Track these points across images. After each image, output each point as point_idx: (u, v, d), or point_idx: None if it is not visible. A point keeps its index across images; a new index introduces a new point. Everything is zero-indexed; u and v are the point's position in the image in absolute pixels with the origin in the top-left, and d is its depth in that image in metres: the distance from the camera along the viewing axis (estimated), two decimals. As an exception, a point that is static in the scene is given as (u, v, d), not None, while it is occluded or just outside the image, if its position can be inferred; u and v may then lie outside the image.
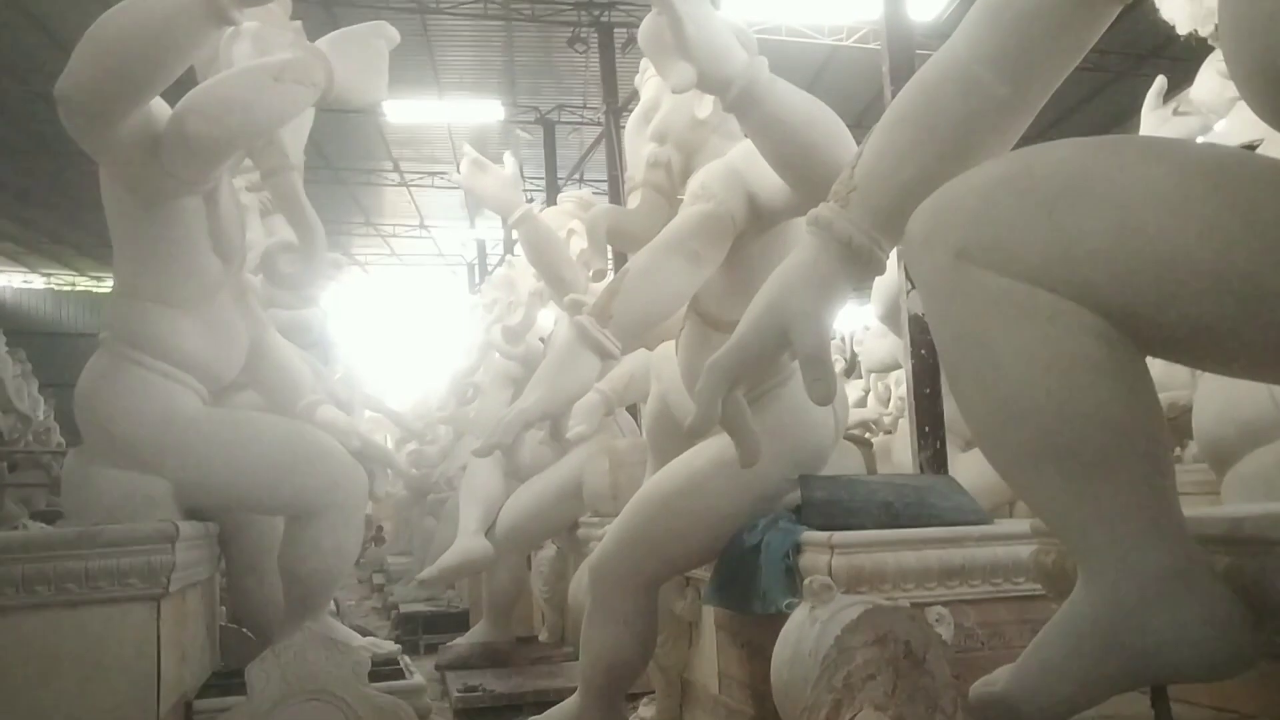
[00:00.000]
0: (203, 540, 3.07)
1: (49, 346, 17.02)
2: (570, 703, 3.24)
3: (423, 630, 7.03)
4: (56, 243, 19.61)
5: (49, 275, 22.20)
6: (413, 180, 16.88)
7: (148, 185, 2.83)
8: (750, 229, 2.88)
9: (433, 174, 16.57)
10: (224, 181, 3.03)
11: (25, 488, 10.50)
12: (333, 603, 8.17)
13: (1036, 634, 1.36)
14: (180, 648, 2.80)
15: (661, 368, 3.59)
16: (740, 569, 2.83)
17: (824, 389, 1.58)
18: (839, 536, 2.46)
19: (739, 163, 2.88)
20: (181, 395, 2.98)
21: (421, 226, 20.68)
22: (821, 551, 2.50)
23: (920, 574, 2.49)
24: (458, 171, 4.61)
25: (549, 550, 5.88)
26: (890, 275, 4.71)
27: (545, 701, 4.56)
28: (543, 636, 6.02)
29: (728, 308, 2.92)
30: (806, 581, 2.38)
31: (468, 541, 5.29)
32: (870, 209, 1.61)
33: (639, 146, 3.18)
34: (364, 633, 8.33)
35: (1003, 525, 2.67)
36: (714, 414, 1.63)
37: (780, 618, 2.65)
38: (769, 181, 2.77)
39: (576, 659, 5.46)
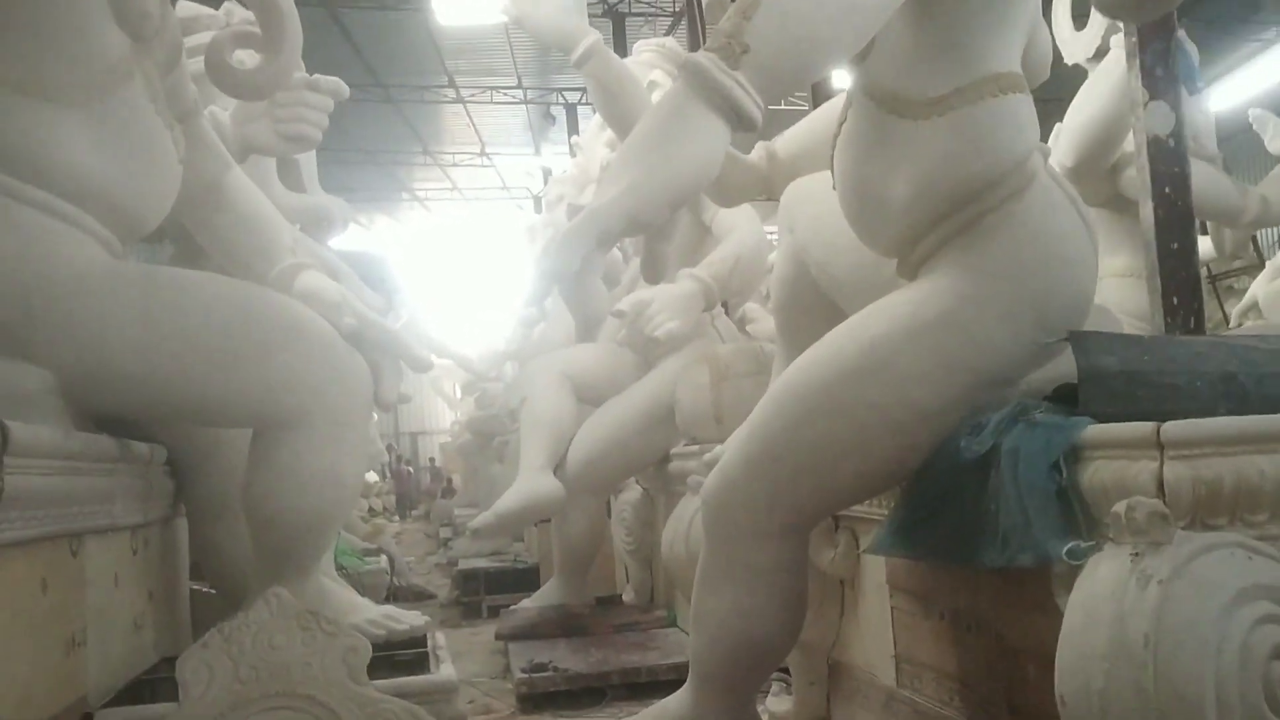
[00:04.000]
0: (122, 466, 2.13)
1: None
2: (679, 700, 2.26)
3: (485, 590, 6.15)
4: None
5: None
6: (470, 96, 15.84)
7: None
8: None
9: (492, 89, 15.53)
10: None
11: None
12: (386, 559, 7.37)
13: None
14: (68, 628, 1.86)
15: (797, 212, 2.55)
16: (952, 496, 1.80)
17: None
18: (1176, 428, 1.40)
19: None
20: (68, 239, 2.02)
21: (483, 155, 19.69)
22: (1139, 455, 1.44)
23: (1320, 494, 1.42)
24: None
25: (633, 491, 4.91)
26: (1102, 95, 3.59)
27: (635, 684, 3.62)
28: (627, 597, 5.07)
29: (925, 76, 1.86)
30: (1121, 509, 1.35)
31: (532, 480, 4.32)
32: None
33: None
34: (421, 595, 7.52)
35: None
36: None
37: (1034, 575, 1.64)
38: None
39: (670, 624, 4.53)
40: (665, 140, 1.55)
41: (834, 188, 2.12)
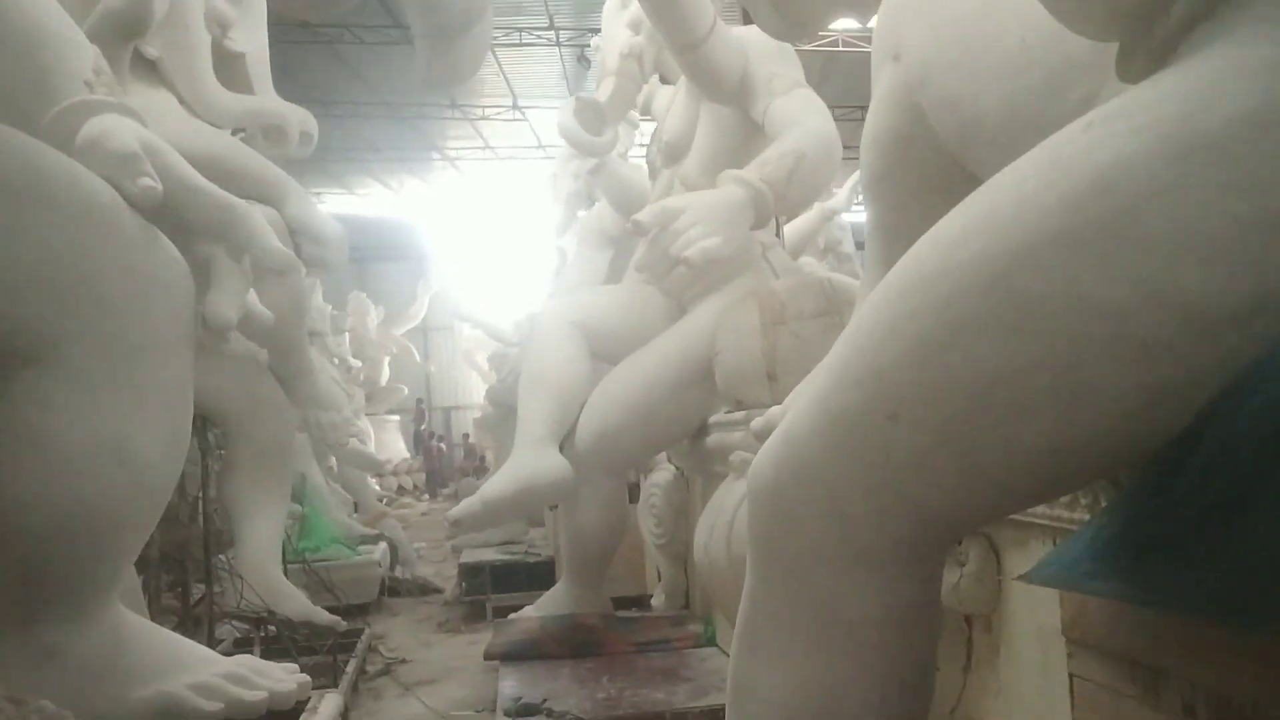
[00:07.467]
0: None
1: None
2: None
3: (491, 587, 5.29)
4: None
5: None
6: (498, 40, 14.93)
7: None
8: None
9: (520, 29, 14.61)
10: None
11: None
12: (387, 546, 6.51)
13: None
14: None
15: (906, 29, 1.64)
16: (1263, 488, 0.88)
17: None
18: None
19: None
20: None
21: (515, 108, 18.84)
22: None
23: None
24: None
25: (664, 471, 4.03)
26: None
27: (658, 734, 2.73)
28: (657, 600, 4.19)
29: None
30: None
31: (529, 457, 3.45)
32: None
33: None
34: (425, 589, 6.65)
35: None
36: None
37: None
38: None
39: (709, 642, 3.63)
40: None
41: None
